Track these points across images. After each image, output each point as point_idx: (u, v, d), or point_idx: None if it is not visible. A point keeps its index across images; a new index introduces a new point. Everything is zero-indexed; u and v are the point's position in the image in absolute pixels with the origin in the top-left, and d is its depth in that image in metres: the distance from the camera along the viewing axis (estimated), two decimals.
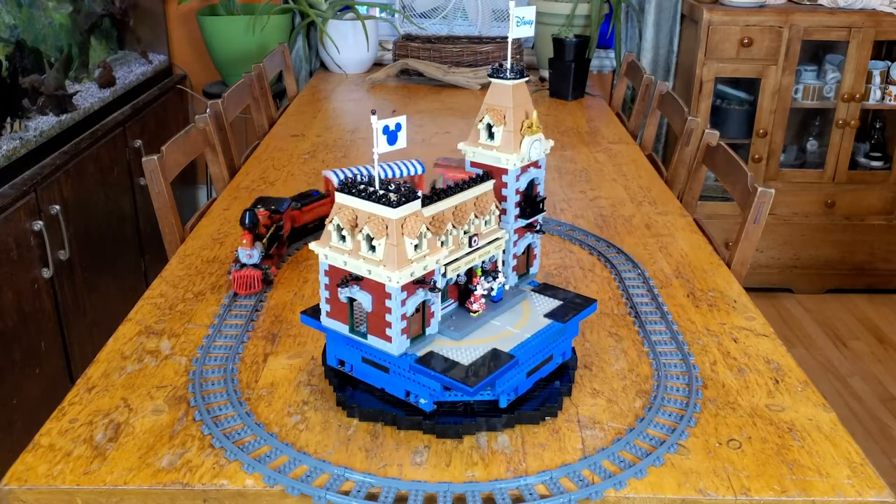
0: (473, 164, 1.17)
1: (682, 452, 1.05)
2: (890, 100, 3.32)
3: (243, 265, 1.45)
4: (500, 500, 0.96)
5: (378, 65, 3.42)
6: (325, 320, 1.12)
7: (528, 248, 1.24)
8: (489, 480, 0.99)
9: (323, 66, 3.41)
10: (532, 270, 1.26)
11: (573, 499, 0.96)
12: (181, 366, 1.23)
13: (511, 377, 1.08)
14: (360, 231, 1.01)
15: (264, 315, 1.39)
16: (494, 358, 1.05)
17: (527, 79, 1.16)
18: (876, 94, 3.32)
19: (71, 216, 2.37)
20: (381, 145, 0.99)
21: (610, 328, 1.36)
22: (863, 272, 3.49)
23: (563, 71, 2.94)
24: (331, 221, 1.05)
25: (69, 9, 2.75)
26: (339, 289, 1.05)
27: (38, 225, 2.16)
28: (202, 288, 1.48)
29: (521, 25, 1.15)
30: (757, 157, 3.32)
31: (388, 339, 1.04)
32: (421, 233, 1.01)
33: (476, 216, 1.10)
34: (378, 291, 1.02)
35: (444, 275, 1.08)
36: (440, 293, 1.09)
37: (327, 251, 1.06)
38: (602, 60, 3.62)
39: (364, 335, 1.07)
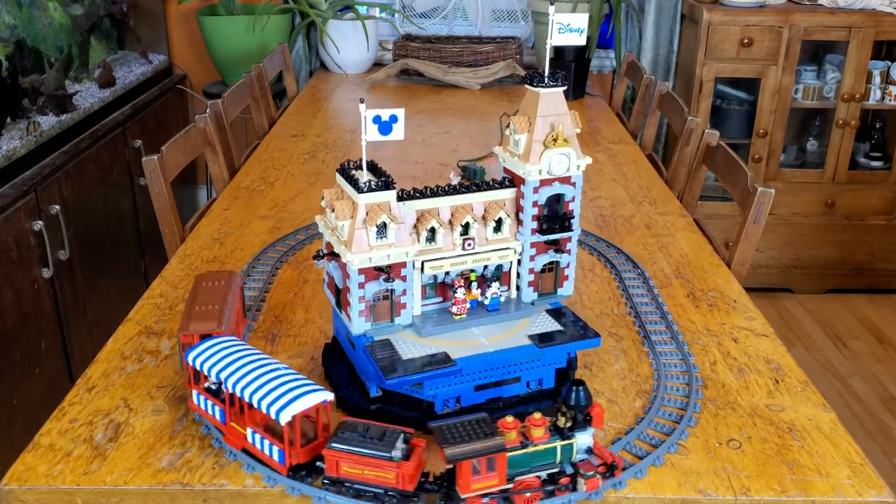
0: (505, 171, 1.15)
1: (682, 452, 1.05)
2: (890, 100, 3.32)
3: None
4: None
5: (378, 65, 3.42)
6: (325, 290, 1.18)
7: (558, 268, 1.17)
8: None
9: (323, 66, 3.41)
10: (561, 291, 1.18)
11: (573, 499, 0.96)
12: None
13: (446, 384, 1.06)
14: (334, 210, 1.05)
15: (264, 315, 1.39)
16: (434, 361, 1.04)
17: (562, 88, 1.08)
18: (876, 94, 3.32)
19: (71, 216, 2.37)
20: (371, 134, 1.00)
21: (610, 328, 1.36)
22: (863, 272, 3.49)
23: (563, 71, 2.94)
24: (322, 198, 1.10)
25: (80, 11, 2.75)
26: (315, 261, 1.11)
27: (38, 225, 2.16)
28: None
29: (563, 33, 1.06)
30: (757, 157, 3.32)
31: (350, 317, 1.08)
32: (384, 222, 1.02)
33: (475, 220, 1.09)
34: (345, 270, 1.06)
35: (422, 270, 1.08)
36: (418, 287, 1.10)
37: (323, 225, 1.11)
38: (602, 60, 3.62)
39: (341, 309, 1.12)
